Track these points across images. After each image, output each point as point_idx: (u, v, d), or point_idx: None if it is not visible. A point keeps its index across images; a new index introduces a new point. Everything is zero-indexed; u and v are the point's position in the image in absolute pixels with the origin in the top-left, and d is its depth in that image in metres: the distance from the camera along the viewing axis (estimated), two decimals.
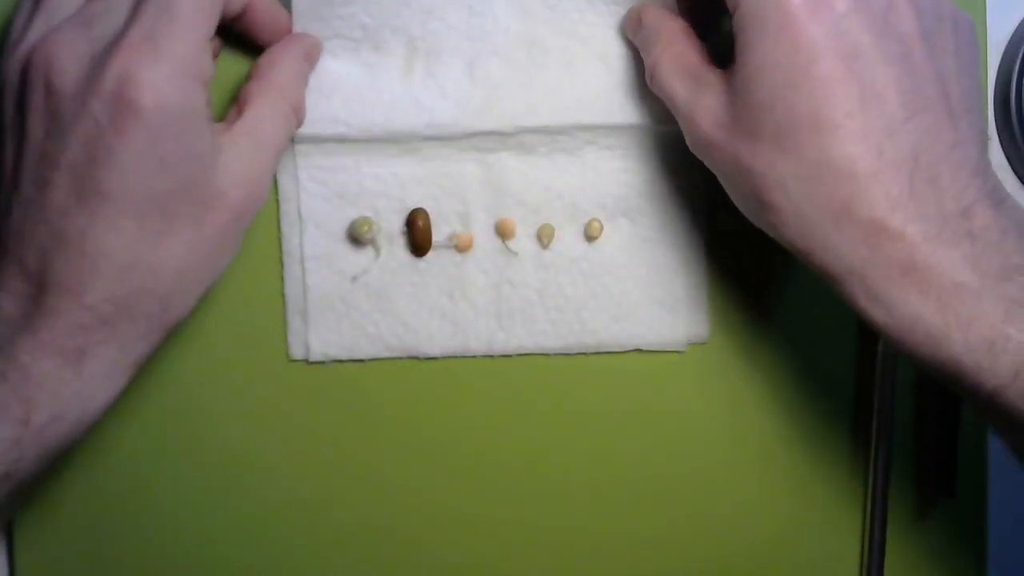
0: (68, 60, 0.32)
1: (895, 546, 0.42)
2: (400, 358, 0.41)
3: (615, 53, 0.39)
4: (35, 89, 0.32)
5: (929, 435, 0.42)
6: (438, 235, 0.40)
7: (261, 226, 0.40)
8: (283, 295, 0.41)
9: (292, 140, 0.39)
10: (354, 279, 0.40)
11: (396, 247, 0.40)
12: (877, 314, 0.31)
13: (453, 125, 0.39)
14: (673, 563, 0.43)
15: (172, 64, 0.32)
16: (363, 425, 0.41)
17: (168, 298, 0.34)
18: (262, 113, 0.36)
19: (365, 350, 0.41)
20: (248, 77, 0.36)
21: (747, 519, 0.42)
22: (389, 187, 0.40)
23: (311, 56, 0.38)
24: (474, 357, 0.41)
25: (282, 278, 0.41)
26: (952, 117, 0.31)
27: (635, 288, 0.41)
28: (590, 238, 0.40)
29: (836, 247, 0.31)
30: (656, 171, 0.40)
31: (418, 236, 0.40)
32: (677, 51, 0.36)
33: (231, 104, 0.37)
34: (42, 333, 0.32)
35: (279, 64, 0.37)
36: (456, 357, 0.41)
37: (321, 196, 0.40)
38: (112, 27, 0.33)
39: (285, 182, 0.40)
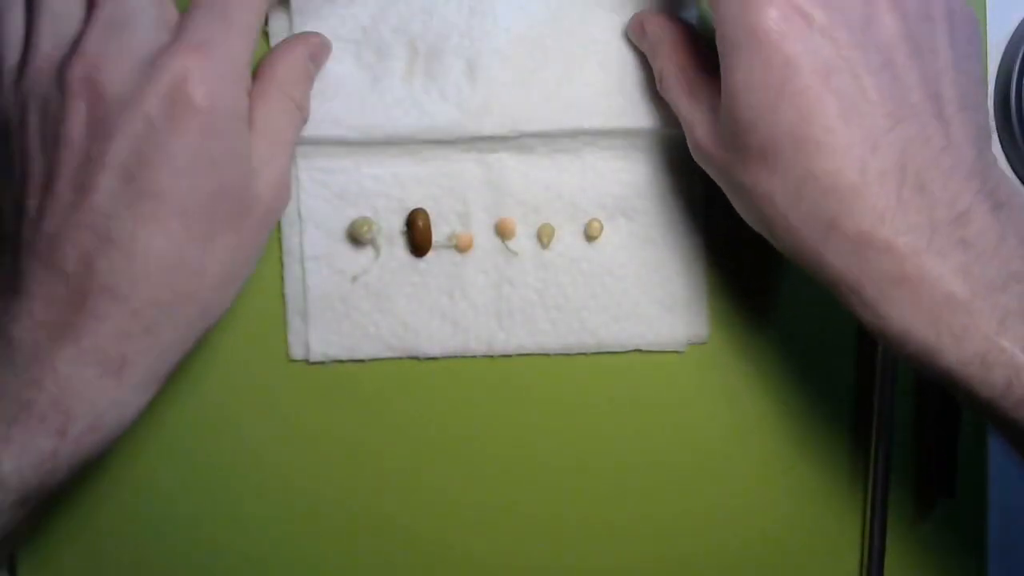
0: (116, 64, 0.32)
1: (895, 546, 0.42)
2: (400, 358, 0.41)
3: (615, 56, 0.39)
4: (76, 94, 0.32)
5: (929, 435, 0.42)
6: (438, 235, 0.40)
7: None
8: (283, 295, 0.41)
9: None
10: (354, 279, 0.40)
11: (396, 247, 0.40)
12: (871, 324, 0.31)
13: (453, 129, 0.39)
14: (672, 564, 0.43)
15: (225, 67, 0.32)
16: (363, 425, 0.41)
17: (208, 304, 0.34)
18: (268, 114, 0.35)
19: (365, 350, 0.41)
20: (252, 79, 0.36)
21: (747, 519, 0.42)
22: (389, 187, 0.40)
23: (317, 56, 0.38)
24: (474, 357, 0.41)
25: (282, 278, 0.41)
26: (942, 120, 0.31)
27: (635, 288, 0.41)
28: (590, 238, 0.40)
29: (827, 260, 0.31)
30: (656, 171, 0.40)
31: (418, 236, 0.40)
32: (678, 62, 0.36)
33: None
34: (85, 341, 0.31)
35: (280, 62, 0.37)
36: (456, 357, 0.41)
37: (321, 196, 0.40)
38: (152, 30, 0.33)
39: None
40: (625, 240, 0.40)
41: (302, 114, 0.38)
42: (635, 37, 0.39)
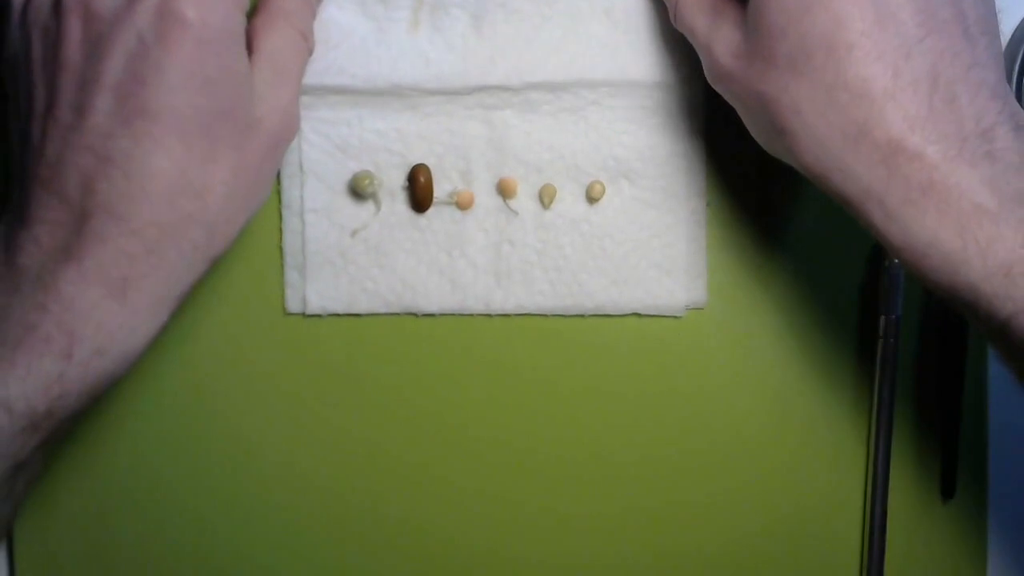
0: None
1: (895, 546, 0.42)
2: (397, 314, 0.41)
3: (621, 7, 0.39)
4: (71, 17, 0.32)
5: (929, 434, 0.42)
6: (439, 192, 0.40)
7: None
8: (281, 248, 0.41)
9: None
10: (354, 233, 0.40)
11: (397, 202, 0.40)
12: (895, 237, 0.31)
13: (458, 79, 0.39)
14: (662, 549, 0.42)
15: None
16: (359, 379, 0.41)
17: (213, 227, 0.33)
18: (274, 43, 0.36)
19: (362, 305, 0.40)
20: (255, 11, 0.36)
21: (742, 504, 0.42)
22: (391, 142, 0.40)
23: None
24: (471, 315, 0.41)
25: (280, 231, 0.41)
26: (968, 38, 0.31)
27: (634, 252, 0.40)
28: (591, 200, 0.40)
29: (853, 169, 0.31)
30: (659, 135, 0.40)
31: (419, 192, 0.40)
32: None
33: None
34: (87, 262, 0.31)
35: None
36: (454, 314, 0.41)
37: (323, 149, 0.40)
38: None
39: None
40: (626, 203, 0.40)
41: (307, 44, 0.38)
42: None
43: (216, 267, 0.39)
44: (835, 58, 0.30)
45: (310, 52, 0.38)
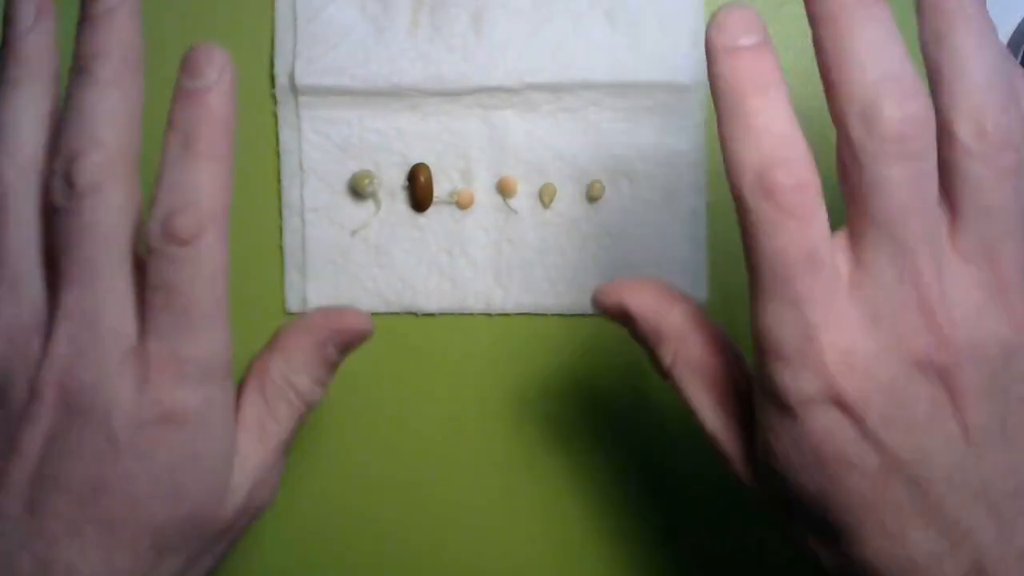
0: (88, 370, 0.27)
1: None
2: (398, 313, 0.41)
3: (621, 8, 0.39)
4: (43, 401, 0.27)
5: None
6: (439, 191, 0.40)
7: (260, 177, 0.40)
8: (281, 247, 0.41)
9: (295, 92, 0.39)
10: (354, 233, 0.40)
11: (397, 202, 0.40)
12: None
13: (458, 79, 0.39)
14: (663, 549, 0.42)
15: (198, 374, 0.28)
16: (358, 378, 0.41)
17: None
18: (259, 412, 0.31)
19: (363, 304, 0.40)
20: (244, 376, 0.32)
21: (742, 503, 0.41)
22: (391, 141, 0.40)
23: (342, 340, 0.32)
24: (471, 314, 0.41)
25: (280, 230, 0.41)
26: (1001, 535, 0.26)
27: (634, 251, 0.40)
28: (591, 199, 0.40)
29: None
30: (659, 134, 0.40)
31: (419, 191, 0.40)
32: (693, 348, 0.32)
33: None
34: None
35: (288, 342, 0.32)
36: (454, 314, 0.41)
37: (323, 148, 0.40)
38: (119, 318, 0.28)
39: (287, 134, 0.40)
40: (626, 202, 0.40)
41: (303, 404, 0.32)
42: (644, 317, 0.33)
43: None
44: (858, 546, 0.27)
45: (308, 408, 0.32)
